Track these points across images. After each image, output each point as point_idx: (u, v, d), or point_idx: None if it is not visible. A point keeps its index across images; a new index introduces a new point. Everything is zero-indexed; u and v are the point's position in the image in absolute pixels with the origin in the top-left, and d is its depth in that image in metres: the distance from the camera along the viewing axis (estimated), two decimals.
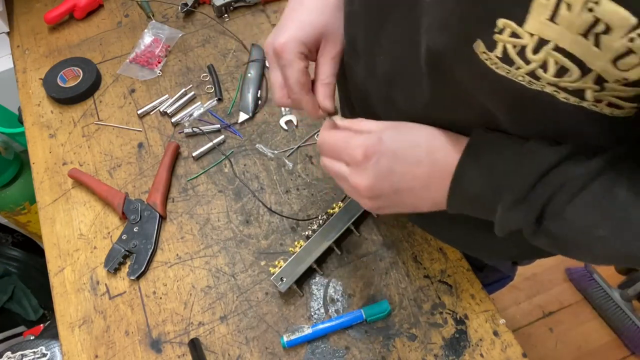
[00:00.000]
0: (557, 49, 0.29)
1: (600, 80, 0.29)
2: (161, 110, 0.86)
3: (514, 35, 0.31)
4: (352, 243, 0.71)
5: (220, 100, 0.87)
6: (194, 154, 0.80)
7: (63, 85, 0.90)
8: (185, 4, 0.99)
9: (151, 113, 0.87)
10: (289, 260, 0.66)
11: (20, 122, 0.96)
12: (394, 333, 0.64)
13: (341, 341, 0.64)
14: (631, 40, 0.26)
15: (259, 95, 0.87)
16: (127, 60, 0.93)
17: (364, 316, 0.64)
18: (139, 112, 0.86)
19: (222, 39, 0.96)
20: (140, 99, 0.88)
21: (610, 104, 0.31)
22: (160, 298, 0.69)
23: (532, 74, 0.32)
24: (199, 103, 0.87)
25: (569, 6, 0.27)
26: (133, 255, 0.71)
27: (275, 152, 0.80)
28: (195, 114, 0.85)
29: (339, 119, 0.50)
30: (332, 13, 0.50)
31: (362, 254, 0.70)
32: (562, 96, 0.32)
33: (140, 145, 0.83)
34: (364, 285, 0.68)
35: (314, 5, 0.50)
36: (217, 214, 0.75)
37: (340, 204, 0.72)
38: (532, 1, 0.28)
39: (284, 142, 0.82)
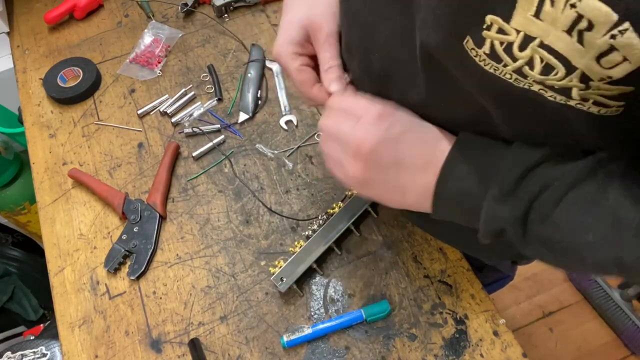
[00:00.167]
0: (543, 45, 0.30)
1: (585, 79, 0.30)
2: (161, 110, 0.86)
3: (501, 31, 0.31)
4: (352, 243, 0.71)
5: (220, 100, 0.87)
6: (194, 154, 0.80)
7: (63, 85, 0.90)
8: (185, 4, 0.99)
9: (151, 113, 0.87)
10: (289, 260, 0.66)
11: (20, 122, 0.96)
12: (394, 333, 0.64)
13: (341, 341, 0.64)
14: (613, 37, 0.26)
15: (259, 95, 0.87)
16: (127, 60, 0.93)
17: (364, 316, 0.64)
18: (139, 112, 0.86)
19: (222, 39, 0.96)
20: (140, 99, 0.88)
21: (596, 103, 0.31)
22: (160, 298, 0.69)
23: (518, 72, 0.32)
24: (199, 103, 0.87)
25: (552, 2, 0.27)
26: (133, 255, 0.71)
27: (275, 152, 0.80)
28: (195, 114, 0.85)
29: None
30: (309, 5, 0.51)
31: (362, 254, 0.70)
32: (548, 95, 0.32)
33: (140, 145, 0.83)
34: (364, 285, 0.68)
35: (294, 5, 0.52)
36: (217, 214, 0.75)
37: (340, 204, 0.72)
38: None
39: (284, 142, 0.82)
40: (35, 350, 0.87)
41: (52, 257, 0.73)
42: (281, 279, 0.65)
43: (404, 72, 0.44)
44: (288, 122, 0.83)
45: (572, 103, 0.32)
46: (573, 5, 0.27)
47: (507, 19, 0.30)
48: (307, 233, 0.70)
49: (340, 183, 0.49)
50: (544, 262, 0.43)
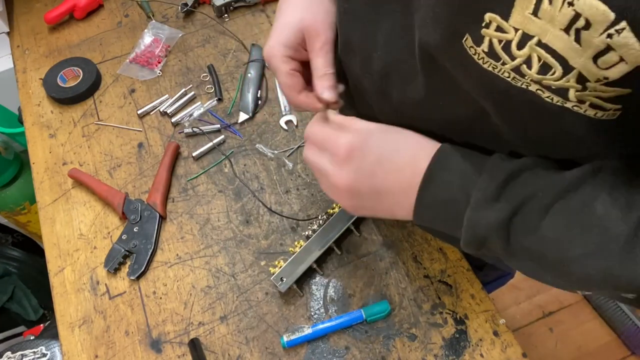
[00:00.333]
0: (540, 44, 0.30)
1: (582, 79, 0.30)
2: (161, 110, 0.86)
3: (500, 29, 0.31)
4: (352, 243, 0.71)
5: (220, 100, 0.87)
6: (194, 154, 0.80)
7: (63, 85, 0.90)
8: (185, 4, 0.99)
9: (151, 113, 0.87)
10: (289, 260, 0.66)
11: (20, 122, 0.96)
12: (394, 333, 0.64)
13: (341, 341, 0.64)
14: (610, 36, 0.26)
15: (259, 95, 0.87)
16: (127, 60, 0.93)
17: (364, 316, 0.64)
18: (139, 112, 0.86)
19: (222, 39, 0.96)
20: (140, 99, 0.88)
21: (593, 105, 0.31)
22: (160, 298, 0.69)
23: (516, 70, 0.32)
24: (199, 103, 0.87)
25: (550, 0, 0.27)
26: (133, 255, 0.71)
27: (275, 152, 0.80)
28: (195, 114, 0.85)
29: (332, 114, 0.50)
30: (307, 9, 0.50)
31: (362, 254, 0.70)
32: (546, 95, 0.32)
33: (140, 145, 0.83)
34: (364, 285, 0.68)
35: (289, 6, 0.51)
36: (217, 214, 0.75)
37: None
38: None
39: (284, 142, 0.82)
40: (35, 350, 0.87)
41: (52, 257, 0.73)
42: (281, 279, 0.65)
43: (403, 71, 0.44)
44: (288, 122, 0.83)
45: (569, 105, 0.32)
46: (571, 4, 0.27)
47: (506, 17, 0.30)
48: (307, 233, 0.70)
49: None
50: (529, 276, 0.43)
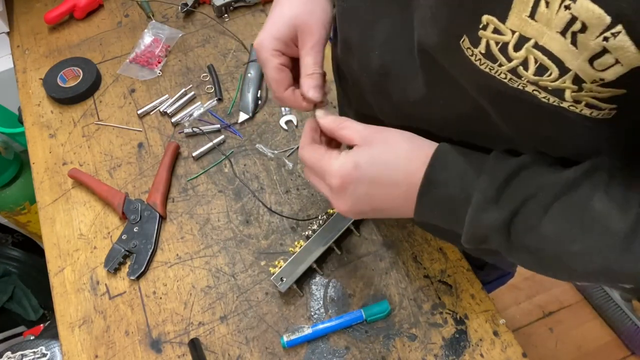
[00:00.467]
0: (537, 46, 0.30)
1: (578, 81, 0.30)
2: (161, 110, 0.86)
3: (497, 31, 0.31)
4: (352, 243, 0.71)
5: (220, 100, 0.87)
6: (194, 154, 0.80)
7: (63, 85, 0.90)
8: (185, 4, 0.99)
9: (151, 113, 0.87)
10: (289, 260, 0.66)
11: (20, 122, 0.96)
12: (394, 333, 0.64)
13: (341, 341, 0.64)
14: (606, 39, 0.27)
15: (259, 95, 0.87)
16: (127, 60, 0.93)
17: (364, 316, 0.64)
18: (139, 112, 0.86)
19: (222, 39, 0.96)
20: (140, 99, 0.88)
21: (589, 105, 0.31)
22: (160, 298, 0.69)
23: (513, 72, 0.32)
24: (199, 103, 0.87)
25: (547, 3, 0.28)
26: (133, 255, 0.71)
27: (275, 152, 0.80)
28: (195, 114, 0.85)
29: (322, 117, 0.49)
30: (304, 4, 0.50)
31: (362, 254, 0.70)
32: (542, 96, 0.32)
33: (140, 145, 0.83)
34: (364, 285, 0.68)
35: (286, 0, 0.51)
36: (217, 214, 0.75)
37: None
38: None
39: (284, 142, 0.82)
40: (35, 350, 0.87)
41: (52, 257, 0.73)
42: (281, 279, 0.65)
43: (402, 70, 0.44)
44: (288, 122, 0.83)
45: (565, 105, 0.32)
46: (567, 7, 0.27)
47: (503, 19, 0.30)
48: (307, 233, 0.70)
49: None
50: (528, 269, 0.43)
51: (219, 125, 0.83)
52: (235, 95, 0.88)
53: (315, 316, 0.66)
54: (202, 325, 0.66)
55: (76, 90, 0.88)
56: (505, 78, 0.33)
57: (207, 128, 0.83)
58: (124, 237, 0.73)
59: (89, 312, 0.69)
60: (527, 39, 0.30)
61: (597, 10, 0.26)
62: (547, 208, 0.37)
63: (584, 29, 0.27)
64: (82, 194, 0.79)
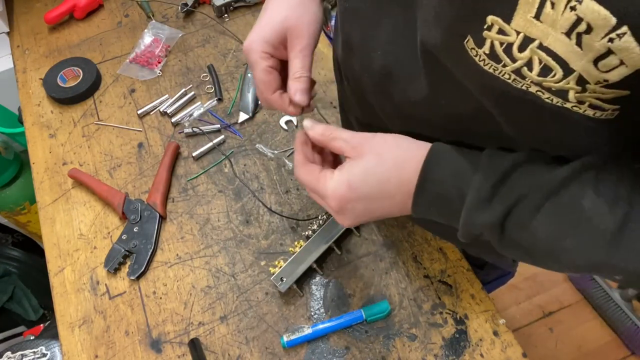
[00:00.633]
0: (542, 47, 0.30)
1: (582, 82, 0.30)
2: (161, 110, 0.86)
3: (501, 32, 0.31)
4: (352, 243, 0.71)
5: (220, 100, 0.87)
6: (194, 154, 0.80)
7: (63, 85, 0.90)
8: (185, 4, 0.99)
9: (151, 113, 0.87)
10: (289, 260, 0.66)
11: (20, 122, 0.96)
12: (394, 333, 0.64)
13: (341, 341, 0.64)
14: (611, 40, 0.27)
15: None
16: (127, 60, 0.93)
17: (364, 316, 0.64)
18: (139, 112, 0.86)
19: (222, 39, 0.96)
20: (140, 99, 0.88)
21: (592, 106, 0.31)
22: (160, 298, 0.69)
23: (517, 72, 0.32)
24: (199, 103, 0.87)
25: (553, 4, 0.28)
26: (133, 255, 0.71)
27: (275, 152, 0.80)
28: (195, 114, 0.85)
29: (310, 127, 0.49)
30: (293, 7, 0.50)
31: (362, 254, 0.70)
32: (546, 97, 0.32)
33: (140, 145, 0.83)
34: (364, 285, 0.68)
35: (276, 4, 0.51)
36: (217, 214, 0.75)
37: None
38: None
39: (284, 142, 0.82)
40: (35, 350, 0.87)
41: (52, 257, 0.73)
42: (281, 279, 0.65)
43: (405, 70, 0.44)
44: (288, 122, 0.83)
45: (568, 105, 0.32)
46: (573, 8, 0.27)
47: (508, 19, 0.30)
48: (307, 233, 0.70)
49: None
50: (520, 261, 0.45)
51: (219, 125, 0.83)
52: (235, 95, 0.88)
53: (315, 316, 0.66)
54: (202, 325, 0.66)
55: (76, 90, 0.88)
56: (509, 79, 0.33)
57: (207, 128, 0.83)
58: (124, 237, 0.73)
59: (89, 312, 0.69)
60: (532, 40, 0.30)
61: (603, 11, 0.26)
62: (539, 207, 0.38)
63: (589, 30, 0.27)
64: (82, 194, 0.79)
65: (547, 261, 0.42)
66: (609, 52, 0.27)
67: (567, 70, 0.30)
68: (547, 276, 1.65)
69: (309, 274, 0.68)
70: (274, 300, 0.67)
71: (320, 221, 0.71)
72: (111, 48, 0.96)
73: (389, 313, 0.65)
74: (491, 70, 0.33)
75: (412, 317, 0.65)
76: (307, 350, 0.64)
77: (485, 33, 0.32)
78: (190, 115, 0.85)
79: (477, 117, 0.41)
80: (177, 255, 0.72)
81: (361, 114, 0.60)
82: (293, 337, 0.63)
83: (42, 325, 1.10)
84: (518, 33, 0.30)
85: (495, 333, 0.63)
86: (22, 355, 0.86)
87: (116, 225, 0.76)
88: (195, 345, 0.64)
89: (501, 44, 0.32)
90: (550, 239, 0.39)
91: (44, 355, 0.86)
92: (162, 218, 0.75)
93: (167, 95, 0.88)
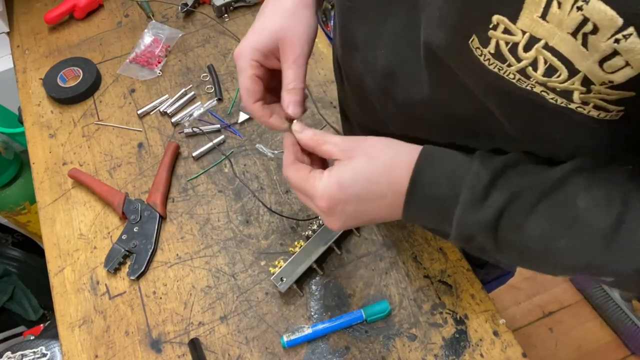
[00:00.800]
0: (547, 47, 0.30)
1: (587, 82, 0.30)
2: (161, 110, 0.86)
3: (507, 31, 0.31)
4: (352, 243, 0.71)
5: (220, 100, 0.87)
6: (194, 154, 0.80)
7: (63, 85, 0.90)
8: (185, 4, 0.99)
9: (151, 113, 0.87)
10: (289, 260, 0.66)
11: (20, 122, 0.96)
12: (394, 333, 0.64)
13: (341, 341, 0.64)
14: (617, 41, 0.27)
15: None
16: (127, 60, 0.93)
17: (364, 316, 0.64)
18: (139, 112, 0.86)
19: (222, 39, 0.96)
20: (140, 99, 0.88)
21: (596, 107, 0.31)
22: (160, 298, 0.69)
23: (522, 72, 0.32)
24: (199, 103, 0.87)
25: (559, 4, 0.28)
26: (133, 255, 0.71)
27: (275, 152, 0.80)
28: (195, 114, 0.85)
29: (299, 131, 0.49)
30: (287, 18, 0.49)
31: (362, 254, 0.70)
32: (550, 97, 0.32)
33: (140, 145, 0.83)
34: (364, 285, 0.68)
35: (269, 12, 0.51)
36: (217, 214, 0.75)
37: None
38: None
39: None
40: (35, 350, 0.87)
41: (52, 257, 0.73)
42: (281, 279, 0.65)
43: (408, 69, 0.44)
44: None
45: (572, 106, 0.32)
46: (580, 8, 0.27)
47: (514, 19, 0.30)
48: (307, 233, 0.70)
49: None
50: (514, 264, 0.44)
51: (219, 125, 0.83)
52: (235, 95, 0.88)
53: (315, 316, 0.66)
54: (202, 325, 0.66)
55: (76, 90, 0.88)
56: (514, 78, 0.33)
57: (207, 128, 0.83)
58: (124, 237, 0.73)
59: (89, 312, 0.69)
60: (538, 40, 0.30)
61: (610, 11, 0.26)
62: (533, 208, 0.38)
63: (595, 30, 0.27)
64: (82, 194, 0.79)
65: (541, 263, 0.41)
66: (614, 53, 0.27)
67: (572, 71, 0.30)
68: (547, 276, 1.65)
69: (309, 274, 0.68)
70: (274, 300, 0.67)
71: (321, 221, 0.71)
72: (111, 48, 0.96)
73: (389, 313, 0.65)
74: (496, 70, 0.33)
75: (412, 317, 0.65)
76: (307, 350, 0.64)
77: (491, 32, 0.32)
78: (190, 115, 0.85)
79: (480, 117, 0.41)
80: (177, 255, 0.72)
81: (361, 113, 0.60)
82: (293, 337, 0.63)
83: (42, 325, 1.10)
84: (524, 33, 0.30)
85: (495, 333, 0.63)
86: (22, 355, 0.86)
87: (116, 225, 0.76)
88: (195, 345, 0.64)
89: (506, 43, 0.32)
90: (545, 239, 0.38)
91: (44, 355, 0.86)
92: (162, 218, 0.75)
93: (167, 95, 0.88)
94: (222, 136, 0.82)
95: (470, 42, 0.34)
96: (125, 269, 0.71)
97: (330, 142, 0.46)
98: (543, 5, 0.28)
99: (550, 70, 0.31)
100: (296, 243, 0.71)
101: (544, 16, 0.29)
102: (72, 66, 0.91)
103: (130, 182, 0.79)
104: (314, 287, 0.68)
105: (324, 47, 0.93)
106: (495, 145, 0.43)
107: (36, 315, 1.30)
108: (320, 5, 0.54)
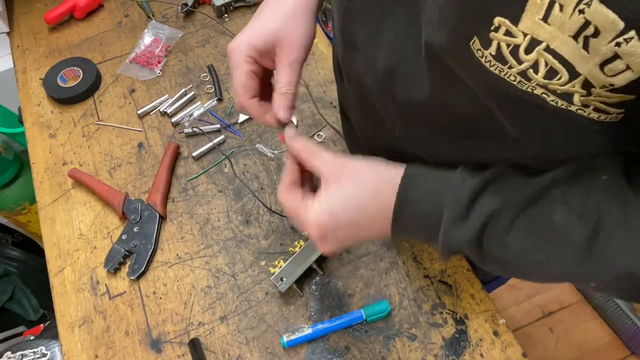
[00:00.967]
0: (548, 49, 0.30)
1: (587, 85, 0.30)
2: (161, 110, 0.86)
3: (508, 33, 0.31)
4: None
5: (220, 100, 0.87)
6: (194, 154, 0.80)
7: (63, 85, 0.90)
8: (185, 4, 0.99)
9: (151, 113, 0.87)
10: (289, 260, 0.66)
11: (20, 122, 0.96)
12: (394, 333, 0.64)
13: (341, 341, 0.64)
14: (618, 44, 0.27)
15: None
16: (127, 60, 0.93)
17: (364, 316, 0.64)
18: (139, 112, 0.86)
19: (222, 39, 0.96)
20: (140, 99, 0.88)
21: (597, 109, 0.32)
22: (160, 298, 0.69)
23: (523, 74, 0.32)
24: (199, 103, 0.87)
25: (561, 7, 0.28)
26: (133, 255, 0.71)
27: (275, 152, 0.80)
28: (195, 114, 0.85)
29: (292, 137, 0.49)
30: (287, 19, 0.49)
31: (362, 254, 0.70)
32: (550, 99, 0.32)
33: (140, 145, 0.83)
34: (364, 285, 0.68)
35: (269, 11, 0.51)
36: (217, 214, 0.75)
37: None
38: (527, 0, 0.29)
39: None
40: (35, 350, 0.87)
41: (52, 257, 0.74)
42: (281, 279, 0.65)
43: (409, 70, 0.44)
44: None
45: (573, 108, 0.32)
46: (581, 11, 0.27)
47: (516, 21, 0.30)
48: (307, 233, 0.70)
49: None
50: (499, 274, 0.46)
51: (219, 125, 0.83)
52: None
53: (315, 316, 0.66)
54: (202, 325, 0.66)
55: (76, 90, 0.88)
56: (515, 80, 0.33)
57: (207, 128, 0.83)
58: (124, 237, 0.73)
59: (89, 312, 0.69)
60: (539, 42, 0.30)
61: (611, 15, 0.26)
62: (512, 223, 0.40)
63: (596, 33, 0.27)
64: (82, 194, 0.79)
65: (525, 274, 0.44)
66: (615, 57, 0.27)
67: (573, 74, 0.30)
68: None
69: (309, 274, 0.68)
70: (274, 300, 0.67)
71: None
72: (111, 48, 0.96)
73: (389, 313, 0.65)
74: (497, 72, 0.33)
75: (412, 317, 0.65)
76: (307, 350, 0.64)
77: (492, 34, 0.32)
78: (190, 115, 0.85)
79: (481, 118, 0.41)
80: (177, 255, 0.72)
81: (361, 114, 0.60)
82: (293, 337, 0.63)
83: (42, 325, 1.10)
84: (525, 35, 0.30)
85: (495, 333, 0.63)
86: (22, 355, 0.86)
87: (116, 225, 0.76)
88: (195, 345, 0.64)
89: (508, 45, 0.32)
90: (525, 252, 0.40)
91: (44, 355, 0.86)
92: (162, 218, 0.75)
93: (167, 95, 0.88)
94: (222, 136, 0.82)
95: (471, 43, 0.34)
96: (125, 269, 0.71)
97: (319, 158, 0.47)
98: (545, 7, 0.28)
99: (551, 73, 0.31)
100: (296, 243, 0.71)
101: (545, 19, 0.29)
102: (72, 66, 0.91)
103: (130, 182, 0.79)
104: (314, 287, 0.68)
105: (324, 47, 0.93)
106: (496, 146, 0.43)
107: (36, 315, 1.30)
108: (320, 7, 0.54)
